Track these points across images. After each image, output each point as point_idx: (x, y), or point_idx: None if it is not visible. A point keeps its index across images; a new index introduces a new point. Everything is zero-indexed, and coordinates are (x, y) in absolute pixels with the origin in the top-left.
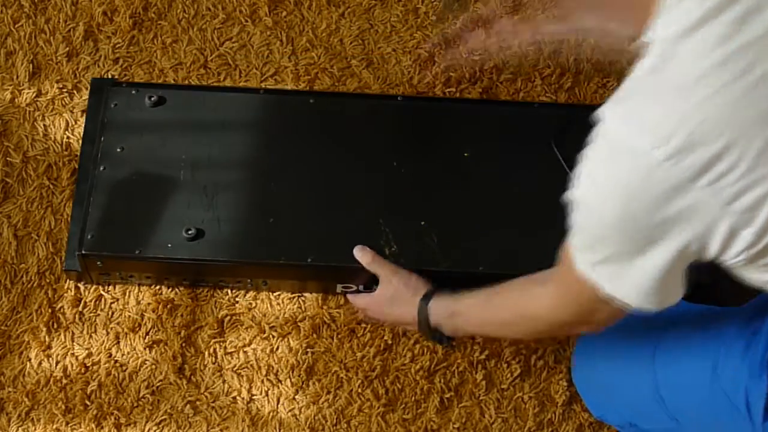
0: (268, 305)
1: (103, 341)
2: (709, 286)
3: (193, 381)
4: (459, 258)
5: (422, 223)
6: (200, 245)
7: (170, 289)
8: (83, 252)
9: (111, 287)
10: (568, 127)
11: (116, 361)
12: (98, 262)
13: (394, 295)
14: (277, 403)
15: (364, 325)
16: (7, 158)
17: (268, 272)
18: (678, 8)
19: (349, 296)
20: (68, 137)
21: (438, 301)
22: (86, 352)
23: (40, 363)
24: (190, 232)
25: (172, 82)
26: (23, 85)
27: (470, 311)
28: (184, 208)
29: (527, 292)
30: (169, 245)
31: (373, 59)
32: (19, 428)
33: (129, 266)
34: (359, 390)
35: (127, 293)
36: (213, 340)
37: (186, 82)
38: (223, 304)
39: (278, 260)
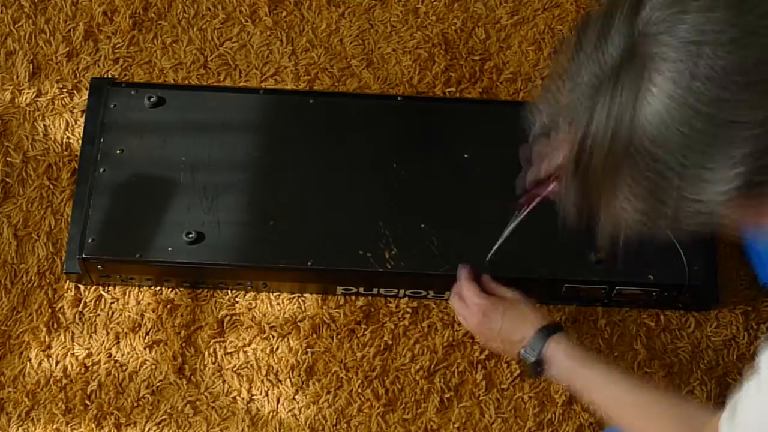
0: (268, 305)
1: (103, 341)
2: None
3: (193, 381)
4: (459, 261)
5: (422, 225)
6: (200, 249)
7: (170, 290)
8: (84, 256)
9: (111, 287)
10: None
11: (116, 361)
12: (99, 266)
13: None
14: (277, 403)
15: (363, 326)
16: (7, 158)
17: (268, 275)
18: None
19: (451, 301)
20: (68, 137)
21: (562, 348)
22: (86, 352)
23: (40, 363)
24: (190, 236)
25: (172, 82)
26: (23, 85)
27: (603, 391)
28: (184, 211)
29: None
30: (170, 249)
31: (373, 59)
32: (19, 428)
33: (129, 269)
34: (359, 390)
35: (127, 293)
36: (213, 340)
37: (186, 82)
38: (223, 305)
39: (278, 264)
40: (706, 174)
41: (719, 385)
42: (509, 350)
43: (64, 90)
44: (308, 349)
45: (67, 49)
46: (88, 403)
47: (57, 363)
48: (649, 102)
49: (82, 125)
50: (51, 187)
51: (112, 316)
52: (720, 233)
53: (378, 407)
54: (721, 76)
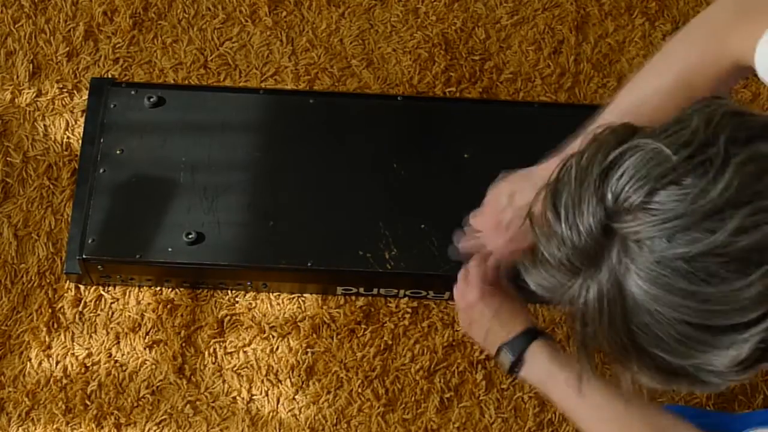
0: (268, 305)
1: (103, 341)
2: None
3: (193, 381)
4: (459, 261)
5: (422, 226)
6: (200, 249)
7: (170, 290)
8: (84, 257)
9: (111, 287)
10: None
11: (116, 361)
12: (99, 266)
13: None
14: (277, 403)
15: (363, 326)
16: (8, 158)
17: (268, 276)
18: None
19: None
20: (68, 137)
21: (546, 352)
22: (86, 352)
23: (40, 363)
24: (190, 236)
25: (172, 82)
26: (23, 85)
27: (582, 398)
28: (184, 212)
29: None
30: (170, 249)
31: (373, 59)
32: (20, 428)
33: (129, 270)
34: (359, 390)
35: (127, 293)
36: (213, 340)
37: (186, 82)
38: (223, 304)
39: (278, 264)
40: (708, 353)
41: None
42: (491, 341)
43: (64, 90)
44: (308, 349)
45: (67, 49)
46: (88, 403)
47: (57, 363)
48: (633, 283)
49: (82, 125)
50: (51, 187)
51: (112, 316)
52: None
53: (378, 407)
54: (698, 254)
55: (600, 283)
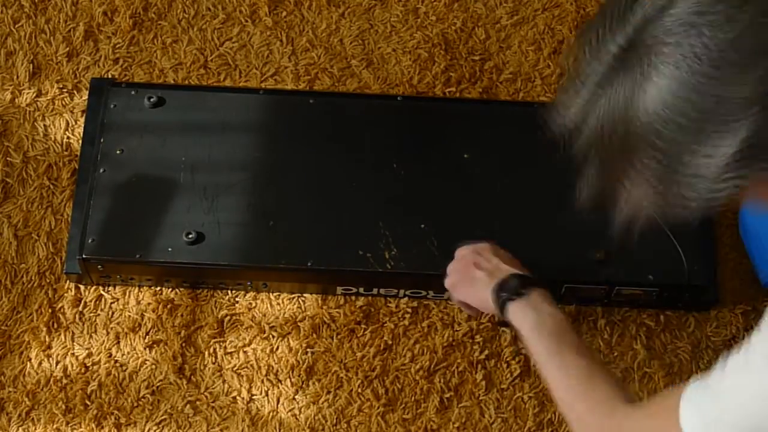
0: (268, 305)
1: (103, 341)
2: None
3: (193, 381)
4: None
5: (422, 225)
6: (200, 249)
7: (170, 290)
8: (84, 256)
9: (111, 287)
10: None
11: (116, 361)
12: (99, 266)
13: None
14: (277, 403)
15: (363, 326)
16: (8, 158)
17: (268, 276)
18: None
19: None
20: (68, 137)
21: (549, 297)
22: (86, 352)
23: (40, 363)
24: (190, 236)
25: (172, 82)
26: (23, 85)
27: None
28: (184, 212)
29: (610, 402)
30: (170, 249)
31: (373, 59)
32: (20, 428)
33: (129, 270)
34: (359, 390)
35: (127, 293)
36: (213, 340)
37: (186, 82)
38: (223, 304)
39: (278, 264)
40: (697, 155)
41: None
42: (502, 270)
43: (64, 90)
44: (308, 349)
45: (67, 49)
46: (88, 403)
47: (57, 363)
48: (652, 83)
49: (82, 125)
50: (51, 187)
51: (112, 316)
52: (724, 213)
53: (378, 407)
54: (715, 53)
55: (620, 82)
